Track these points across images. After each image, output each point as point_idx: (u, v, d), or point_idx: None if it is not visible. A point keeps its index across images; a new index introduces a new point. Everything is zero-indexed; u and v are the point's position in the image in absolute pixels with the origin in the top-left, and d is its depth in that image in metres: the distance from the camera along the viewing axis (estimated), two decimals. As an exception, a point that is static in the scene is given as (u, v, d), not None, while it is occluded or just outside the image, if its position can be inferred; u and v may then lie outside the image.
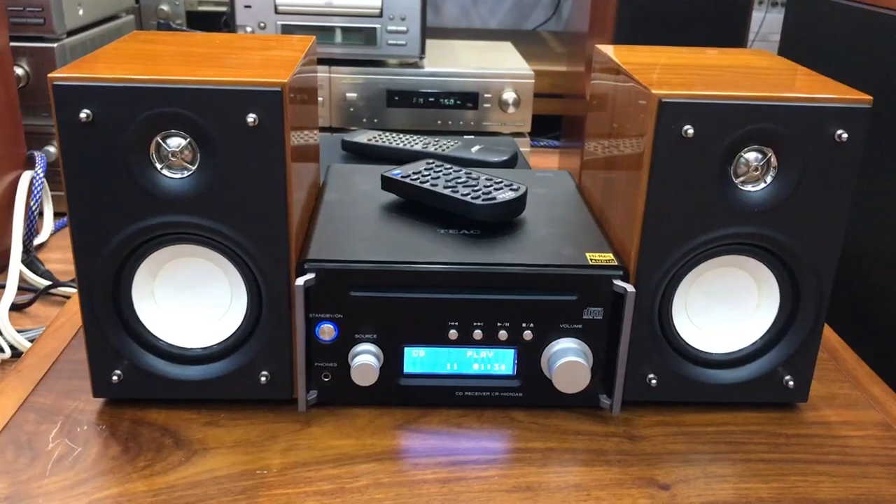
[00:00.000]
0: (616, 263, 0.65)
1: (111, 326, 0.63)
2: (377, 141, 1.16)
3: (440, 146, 1.15)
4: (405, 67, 1.53)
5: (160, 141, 0.59)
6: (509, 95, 1.52)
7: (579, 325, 0.65)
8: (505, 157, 1.08)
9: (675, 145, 0.60)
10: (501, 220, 0.71)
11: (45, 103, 1.34)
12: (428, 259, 0.64)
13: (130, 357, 0.64)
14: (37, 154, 1.30)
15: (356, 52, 1.50)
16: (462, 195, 0.70)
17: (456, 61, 1.60)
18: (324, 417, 0.66)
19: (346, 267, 0.63)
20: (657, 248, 0.63)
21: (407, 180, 0.74)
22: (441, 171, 0.76)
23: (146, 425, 0.64)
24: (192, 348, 0.65)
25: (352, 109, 1.52)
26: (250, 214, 0.60)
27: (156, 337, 0.64)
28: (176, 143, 0.59)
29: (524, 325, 0.65)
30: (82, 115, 0.57)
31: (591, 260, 0.65)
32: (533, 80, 1.53)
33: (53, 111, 0.58)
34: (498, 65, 1.57)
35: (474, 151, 1.13)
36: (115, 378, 0.64)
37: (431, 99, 1.53)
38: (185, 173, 0.60)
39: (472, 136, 1.44)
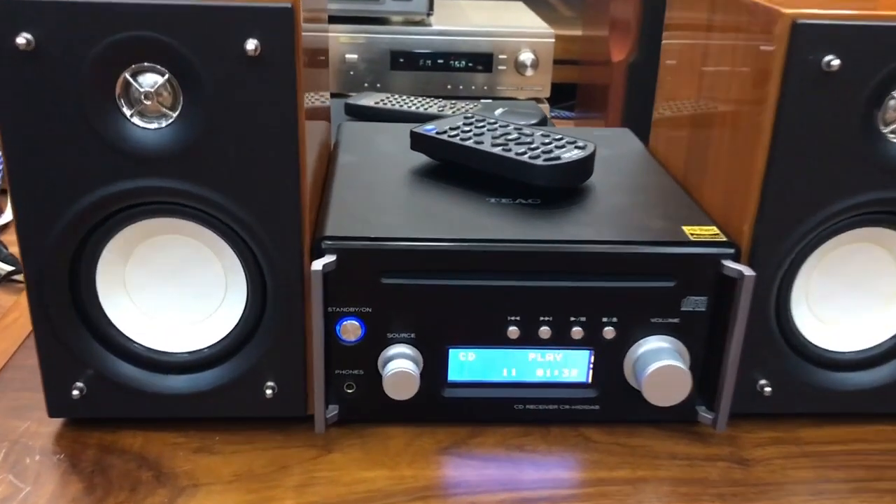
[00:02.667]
0: (725, 239, 0.50)
1: (69, 326, 0.48)
2: (385, 104, 1.02)
3: (457, 110, 1.00)
4: (411, 26, 1.37)
5: (129, 78, 0.44)
6: (527, 56, 1.37)
7: (676, 319, 0.51)
8: (533, 122, 0.94)
9: (812, 84, 0.46)
10: (566, 186, 0.57)
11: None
12: (481, 235, 0.50)
13: (96, 365, 0.49)
14: (-3, 121, 1.14)
15: (356, 9, 1.34)
16: (517, 154, 0.55)
17: (466, 20, 1.44)
18: (347, 440, 0.52)
19: (375, 246, 0.49)
20: (781, 219, 0.49)
21: (444, 137, 0.59)
22: (484, 126, 0.61)
23: (118, 453, 0.50)
24: (176, 353, 0.50)
25: (352, 73, 1.36)
26: (250, 176, 0.46)
27: (128, 339, 0.50)
28: (151, 80, 0.44)
29: (605, 319, 0.51)
30: (20, 41, 0.42)
31: (692, 235, 0.51)
32: (553, 41, 1.38)
33: (-18, 38, 0.42)
34: (513, 23, 1.42)
35: (498, 115, 0.99)
36: (75, 393, 0.49)
37: (440, 61, 1.38)
38: (164, 122, 0.45)
39: (490, 100, 1.29)
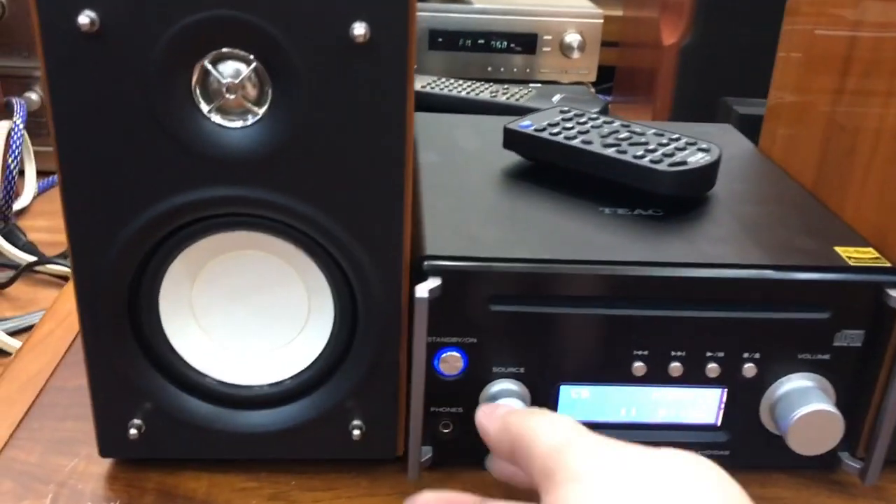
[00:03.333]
0: (888, 264, 0.43)
1: (127, 355, 0.41)
2: (433, 88, 0.95)
3: (511, 95, 0.93)
4: (451, 3, 1.29)
5: (209, 67, 0.37)
6: (573, 38, 1.29)
7: (826, 356, 0.44)
8: (595, 110, 0.87)
9: None
10: (693, 195, 0.50)
11: (25, 41, 1.11)
12: (606, 256, 0.43)
13: (157, 399, 0.42)
14: (15, 101, 1.07)
15: (395, -16, 1.26)
16: (636, 158, 0.48)
17: (507, -3, 1.36)
18: (443, 487, 0.45)
19: (486, 268, 0.42)
20: (960, 243, 0.42)
21: (545, 136, 0.52)
22: (588, 122, 0.54)
23: (180, 500, 0.43)
24: (250, 386, 0.43)
25: (389, 52, 1.28)
26: (348, 184, 0.38)
27: (195, 370, 0.43)
28: (233, 70, 0.37)
29: (746, 355, 0.44)
30: (83, 21, 0.34)
31: (849, 258, 0.44)
32: (601, 21, 1.30)
33: (35, 16, 0.35)
34: (558, 2, 1.33)
35: (556, 102, 0.92)
36: (133, 431, 0.42)
37: (481, 41, 1.30)
38: (248, 120, 0.37)
39: (540, 84, 1.21)
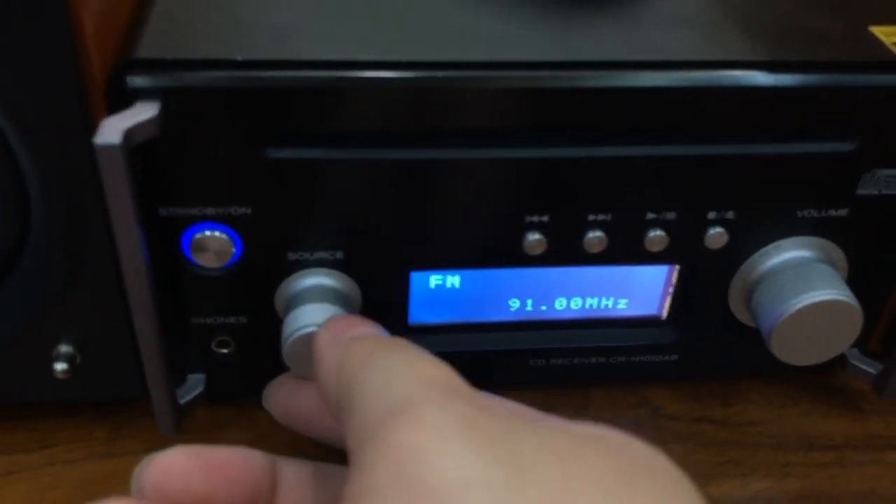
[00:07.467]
0: (963, 55, 0.25)
1: None
2: None
3: None
4: None
5: None
6: None
7: (843, 211, 0.27)
8: None
9: None
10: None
11: None
12: (480, 55, 0.24)
13: None
14: None
15: None
16: None
17: None
18: (227, 433, 0.28)
19: (250, 80, 0.23)
20: None
21: None
22: None
23: None
24: None
25: None
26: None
27: None
28: None
29: (713, 215, 0.26)
30: None
31: (894, 45, 0.25)
32: None
33: None
34: None
35: None
36: None
37: None
38: None
39: None
